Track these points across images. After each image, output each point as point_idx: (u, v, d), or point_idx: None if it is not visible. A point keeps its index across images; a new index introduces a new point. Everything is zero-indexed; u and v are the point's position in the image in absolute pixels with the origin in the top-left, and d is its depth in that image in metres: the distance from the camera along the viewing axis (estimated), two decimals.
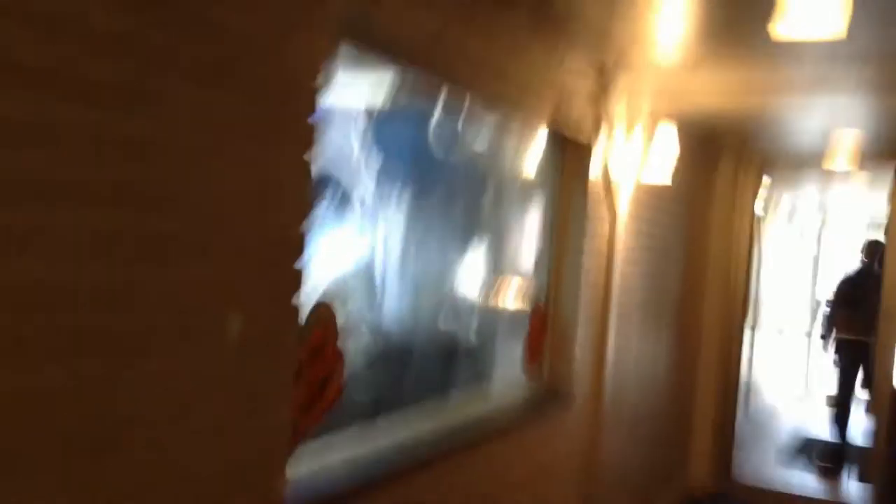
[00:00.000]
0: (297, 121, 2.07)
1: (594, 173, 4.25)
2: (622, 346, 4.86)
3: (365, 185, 5.09)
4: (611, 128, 4.35)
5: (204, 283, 1.79)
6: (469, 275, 5.13)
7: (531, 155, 4.46)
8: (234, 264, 1.88)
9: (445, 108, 5.09)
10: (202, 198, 1.77)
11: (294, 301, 2.07)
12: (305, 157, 2.09)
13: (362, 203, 5.06)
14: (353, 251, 5.04)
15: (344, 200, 5.07)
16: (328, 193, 5.28)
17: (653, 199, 5.15)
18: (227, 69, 1.81)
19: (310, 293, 3.24)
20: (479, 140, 4.74)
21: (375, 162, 5.06)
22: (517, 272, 4.54)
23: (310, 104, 2.08)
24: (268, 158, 1.97)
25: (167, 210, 1.69)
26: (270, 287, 2.00)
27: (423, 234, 5.01)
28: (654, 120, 4.84)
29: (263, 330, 1.97)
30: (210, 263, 1.81)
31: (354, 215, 5.09)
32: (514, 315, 4.29)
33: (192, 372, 1.77)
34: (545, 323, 4.15)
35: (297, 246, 2.08)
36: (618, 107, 4.42)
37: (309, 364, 2.32)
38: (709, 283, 6.84)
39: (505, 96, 3.33)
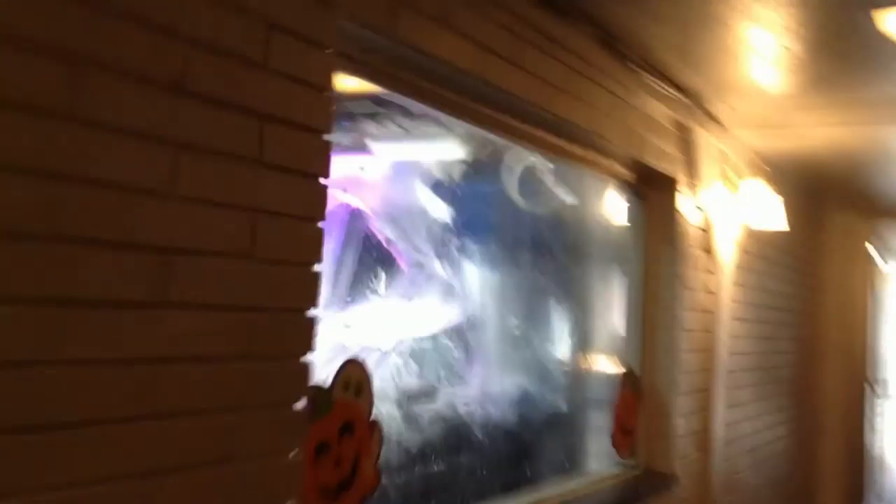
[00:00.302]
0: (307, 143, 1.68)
1: (687, 219, 3.73)
2: (732, 417, 4.22)
3: (438, 245, 4.73)
4: (703, 167, 3.84)
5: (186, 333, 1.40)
6: (551, 340, 4.70)
7: (614, 203, 4.00)
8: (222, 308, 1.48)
9: (523, 162, 4.69)
10: None
11: (304, 357, 1.65)
12: (314, 184, 1.69)
13: (437, 264, 4.70)
14: (426, 315, 4.64)
15: (416, 262, 4.72)
16: (400, 252, 4.94)
17: (758, 248, 4.56)
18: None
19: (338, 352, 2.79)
20: (559, 192, 4.38)
21: (452, 223, 4.71)
22: (605, 336, 4.03)
23: (318, 139, 1.71)
24: (270, 185, 1.58)
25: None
26: (271, 337, 1.58)
27: (501, 295, 4.58)
28: (754, 157, 4.30)
29: (260, 389, 1.55)
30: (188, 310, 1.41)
31: (429, 278, 4.73)
32: (604, 384, 3.77)
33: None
34: (638, 394, 3.59)
35: (309, 287, 1.67)
36: (711, 143, 3.92)
37: (337, 439, 1.87)
38: (826, 342, 6.08)
39: (573, 126, 2.88)
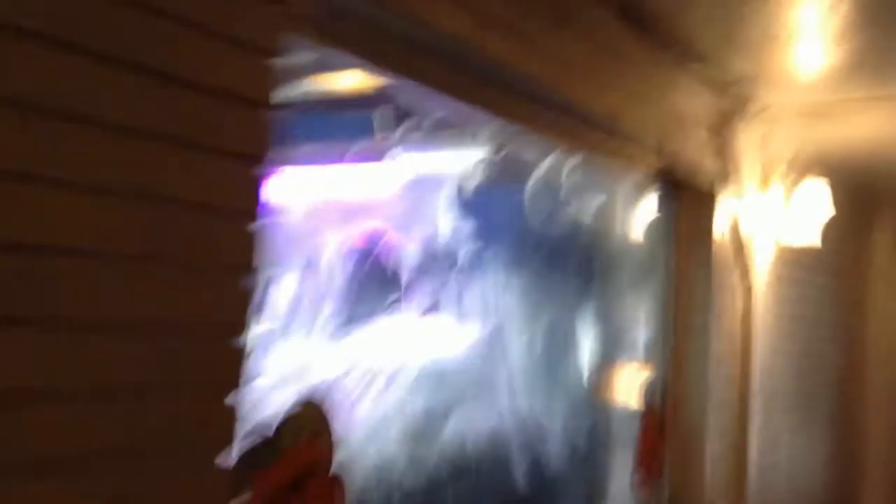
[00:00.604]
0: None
1: (721, 231, 3.28)
2: (768, 447, 3.77)
3: (453, 262, 4.35)
4: (740, 172, 3.39)
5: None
6: (568, 365, 4.31)
7: (640, 212, 3.58)
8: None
9: (544, 166, 4.33)
10: None
11: (230, 396, 1.26)
12: (247, 171, 1.30)
13: (450, 282, 4.32)
14: (436, 337, 4.26)
15: (427, 281, 4.33)
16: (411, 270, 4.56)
17: (799, 261, 4.09)
18: None
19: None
20: (581, 199, 3.99)
21: (470, 232, 4.37)
22: (627, 362, 3.62)
23: (255, 113, 1.32)
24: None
25: None
26: (182, 370, 1.19)
27: (515, 316, 4.20)
28: (797, 162, 3.84)
29: (166, 441, 1.15)
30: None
31: (440, 299, 4.34)
32: (626, 416, 3.35)
33: None
34: (662, 426, 3.14)
35: (236, 305, 1.27)
36: (749, 144, 3.47)
37: (285, 498, 1.46)
38: (871, 366, 5.57)
39: (593, 114, 2.46)
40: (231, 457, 1.27)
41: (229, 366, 1.25)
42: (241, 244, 1.27)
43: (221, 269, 1.25)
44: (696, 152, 3.10)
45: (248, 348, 1.28)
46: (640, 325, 3.69)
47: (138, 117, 1.13)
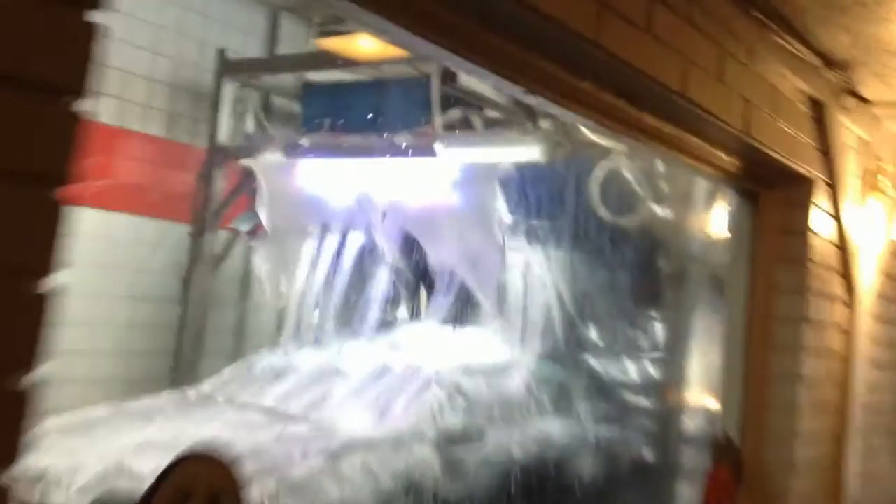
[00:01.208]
0: None
1: (815, 231, 2.63)
2: (867, 493, 3.06)
3: (502, 261, 3.88)
4: (842, 162, 2.73)
5: None
6: (629, 379, 3.77)
7: (720, 213, 2.98)
8: None
9: (606, 165, 3.78)
10: None
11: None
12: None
13: (500, 283, 3.84)
14: (480, 342, 3.77)
15: (473, 281, 3.85)
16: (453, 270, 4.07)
17: None
18: None
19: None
20: (654, 197, 3.46)
21: (521, 233, 3.91)
22: (696, 385, 3.04)
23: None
24: None
25: None
26: None
27: (568, 321, 3.67)
28: None
29: None
30: None
31: (486, 301, 3.86)
32: (694, 447, 2.74)
33: None
34: (737, 469, 2.50)
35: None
36: (854, 130, 2.82)
37: None
38: None
39: (663, 91, 1.88)
40: None
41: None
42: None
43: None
44: (789, 144, 2.47)
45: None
46: (714, 340, 3.09)
47: None
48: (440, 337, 3.74)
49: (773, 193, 2.60)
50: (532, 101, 1.83)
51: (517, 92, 1.78)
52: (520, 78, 1.72)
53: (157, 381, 4.50)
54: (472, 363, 3.51)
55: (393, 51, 3.31)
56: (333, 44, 3.39)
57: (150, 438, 2.98)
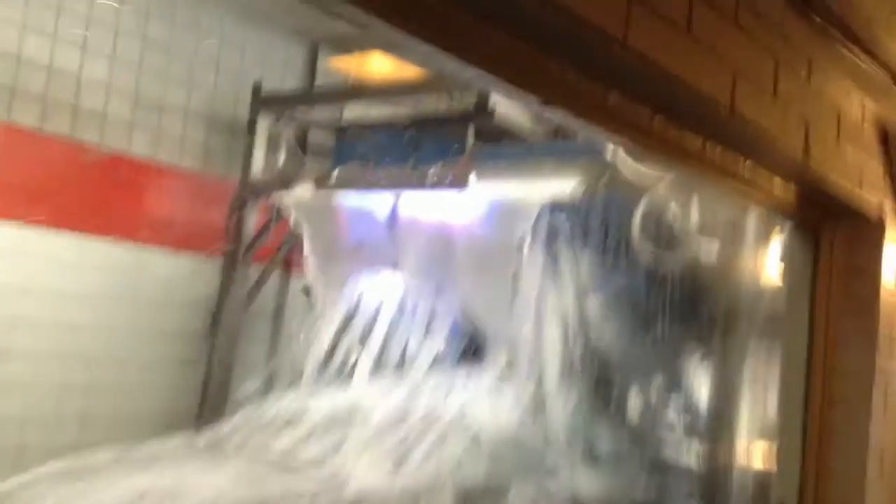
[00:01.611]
0: None
1: (889, 273, 2.23)
2: None
3: (532, 303, 3.55)
4: None
5: None
6: (670, 435, 3.38)
7: (774, 247, 2.62)
8: None
9: (646, 197, 3.42)
10: None
11: None
12: None
13: (528, 327, 3.51)
14: (501, 389, 3.43)
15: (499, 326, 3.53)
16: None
17: None
18: None
19: None
20: (700, 230, 3.12)
21: (557, 263, 3.58)
22: (747, 447, 2.67)
23: None
24: None
25: None
26: None
27: (604, 367, 3.30)
28: None
29: None
30: None
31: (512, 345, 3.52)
32: None
33: None
34: None
35: None
36: None
37: None
38: None
39: (711, 103, 1.55)
40: None
41: None
42: None
43: None
44: (855, 171, 2.10)
45: None
46: (767, 390, 2.71)
47: None
48: (464, 381, 3.42)
49: (836, 228, 2.23)
50: (551, 115, 1.53)
51: (531, 103, 1.48)
52: (533, 85, 1.41)
53: (184, 420, 4.28)
54: (497, 411, 3.17)
55: (409, 71, 3.06)
56: (345, 63, 3.16)
57: (146, 489, 2.72)
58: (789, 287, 2.34)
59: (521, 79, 1.39)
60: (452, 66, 1.33)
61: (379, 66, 3.12)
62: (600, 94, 1.48)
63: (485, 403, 3.29)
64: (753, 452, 2.76)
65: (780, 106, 1.78)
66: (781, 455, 2.30)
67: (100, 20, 4.46)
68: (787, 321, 2.33)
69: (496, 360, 3.43)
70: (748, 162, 1.83)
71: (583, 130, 1.68)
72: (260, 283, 4.78)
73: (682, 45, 1.47)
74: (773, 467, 2.38)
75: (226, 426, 3.62)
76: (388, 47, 1.32)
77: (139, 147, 4.61)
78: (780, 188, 2.00)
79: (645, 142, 1.67)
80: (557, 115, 1.55)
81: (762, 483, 2.46)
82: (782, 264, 2.51)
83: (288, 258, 4.86)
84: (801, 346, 2.28)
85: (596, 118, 1.54)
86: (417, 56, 1.40)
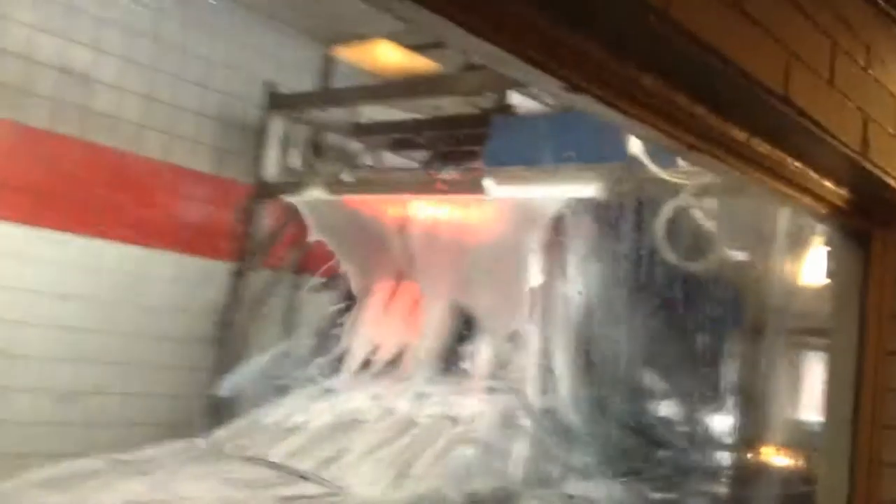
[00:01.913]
0: None
1: None
2: None
3: (552, 305, 3.34)
4: None
5: None
6: (702, 443, 3.17)
7: (817, 256, 2.38)
8: None
9: (674, 201, 3.20)
10: None
11: None
12: None
13: (541, 329, 3.30)
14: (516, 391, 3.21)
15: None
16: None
17: None
18: None
19: None
20: (733, 234, 2.90)
21: (579, 268, 3.37)
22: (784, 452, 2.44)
23: None
24: None
25: None
26: None
27: (623, 369, 3.10)
28: None
29: None
30: None
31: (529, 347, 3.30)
32: None
33: None
34: None
35: None
36: None
37: None
38: None
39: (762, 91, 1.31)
40: None
41: None
42: None
43: None
44: None
45: None
46: (804, 410, 2.47)
47: None
48: (472, 387, 3.21)
49: (890, 234, 1.97)
50: (575, 100, 1.30)
51: (554, 88, 1.25)
52: (556, 66, 1.18)
53: (193, 424, 4.10)
54: (507, 416, 2.96)
55: (419, 62, 2.84)
56: (351, 52, 2.96)
57: (138, 495, 2.53)
58: (836, 296, 2.09)
59: (542, 58, 1.17)
60: (469, 42, 1.11)
61: (387, 55, 2.92)
62: (633, 76, 1.26)
63: (495, 409, 3.09)
64: (793, 474, 2.53)
65: (837, 97, 1.54)
66: (827, 481, 2.05)
67: (113, 21, 4.31)
68: (834, 336, 2.08)
69: (485, 357, 3.25)
70: (800, 161, 1.59)
71: (610, 119, 1.44)
72: (270, 287, 4.60)
73: (731, 20, 1.24)
74: (817, 493, 2.13)
75: (228, 430, 3.46)
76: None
77: (151, 149, 4.45)
78: (832, 190, 1.75)
79: (681, 134, 1.43)
80: (583, 103, 1.32)
81: None
82: (827, 271, 2.26)
83: (301, 262, 4.68)
84: (850, 360, 2.03)
85: (626, 105, 1.31)
86: (429, 27, 1.19)
